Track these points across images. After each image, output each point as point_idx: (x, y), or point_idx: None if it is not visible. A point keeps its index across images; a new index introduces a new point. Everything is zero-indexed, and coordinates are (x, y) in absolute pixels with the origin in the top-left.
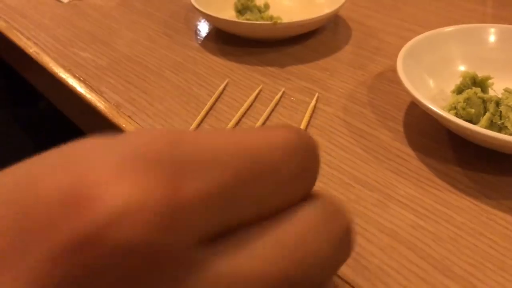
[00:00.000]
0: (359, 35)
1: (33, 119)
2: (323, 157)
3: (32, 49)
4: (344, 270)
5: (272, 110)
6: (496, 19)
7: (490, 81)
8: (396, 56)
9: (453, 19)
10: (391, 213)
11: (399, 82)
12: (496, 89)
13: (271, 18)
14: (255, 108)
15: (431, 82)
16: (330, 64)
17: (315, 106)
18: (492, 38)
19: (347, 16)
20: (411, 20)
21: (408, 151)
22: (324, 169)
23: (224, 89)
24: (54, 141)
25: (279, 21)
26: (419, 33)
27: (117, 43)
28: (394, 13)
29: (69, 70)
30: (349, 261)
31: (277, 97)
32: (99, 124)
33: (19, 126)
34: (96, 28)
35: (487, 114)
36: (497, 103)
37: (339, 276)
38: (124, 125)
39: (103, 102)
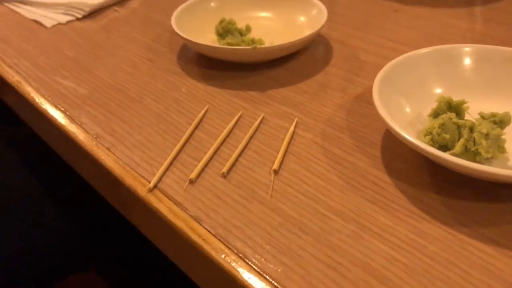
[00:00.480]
0: (341, 55)
1: (18, 138)
2: (300, 186)
3: (14, 78)
4: None
5: (251, 137)
6: (477, 35)
7: (465, 105)
8: (375, 77)
9: (435, 36)
10: (365, 245)
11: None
12: (472, 111)
13: (253, 41)
14: (234, 135)
15: (407, 107)
16: (311, 87)
17: (293, 132)
18: (467, 58)
19: (329, 36)
20: (393, 37)
21: (384, 178)
22: (300, 198)
23: (204, 115)
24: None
25: (260, 44)
26: (401, 51)
27: (99, 70)
28: (377, 31)
29: (50, 101)
30: None
31: (256, 123)
32: (79, 154)
33: (5, 143)
34: (79, 54)
35: (461, 140)
36: (471, 129)
37: None
38: (103, 157)
39: (82, 134)
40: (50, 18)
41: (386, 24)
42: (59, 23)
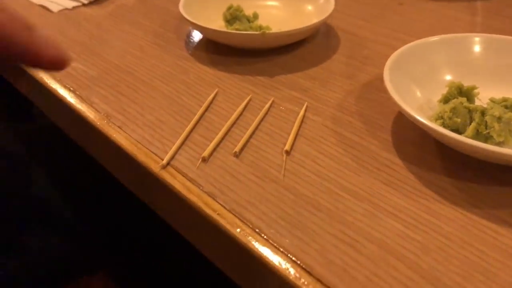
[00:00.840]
0: (348, 45)
1: (31, 133)
2: (312, 166)
3: None
4: (333, 280)
5: (262, 120)
6: (483, 28)
7: (475, 90)
8: (383, 65)
9: (440, 28)
10: (379, 223)
11: (386, 91)
12: (482, 98)
13: (260, 28)
14: (244, 118)
15: (418, 92)
16: (319, 73)
17: (304, 116)
18: (477, 47)
19: (336, 26)
20: (399, 29)
21: (396, 161)
22: (312, 178)
23: (213, 98)
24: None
25: (267, 31)
26: (407, 42)
27: (107, 53)
28: (383, 22)
29: (59, 81)
30: (337, 270)
31: (266, 106)
32: (90, 134)
33: (19, 140)
34: (87, 38)
35: (473, 124)
36: (483, 113)
37: (326, 286)
38: (114, 135)
39: (93, 113)
40: (56, 3)
41: (391, 16)
42: (66, 8)
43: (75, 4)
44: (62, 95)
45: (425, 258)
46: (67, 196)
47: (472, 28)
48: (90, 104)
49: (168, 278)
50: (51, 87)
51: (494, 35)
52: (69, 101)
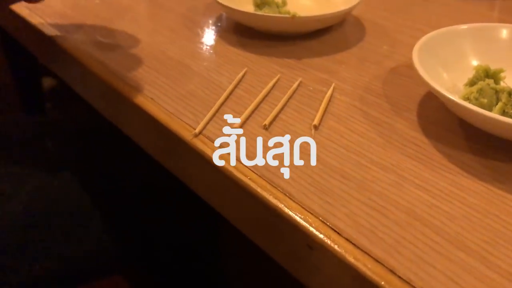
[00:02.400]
0: (373, 34)
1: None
2: (340, 141)
3: (54, 34)
4: (361, 240)
5: (290, 98)
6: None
7: (502, 74)
8: (409, 54)
9: (462, 21)
10: (406, 193)
11: (412, 77)
12: (509, 82)
13: (289, 13)
14: (273, 95)
15: (445, 75)
16: (346, 57)
17: (331, 96)
18: (503, 36)
19: (361, 17)
20: (422, 21)
21: (422, 139)
22: (341, 151)
23: (243, 77)
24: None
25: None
26: None
27: (137, 32)
28: (406, 15)
29: (92, 56)
30: (366, 232)
31: (295, 86)
32: (122, 106)
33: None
34: (116, 18)
35: (500, 104)
36: (510, 94)
37: (355, 245)
38: (147, 106)
39: (125, 85)
40: None
41: (416, 9)
42: None
43: None
44: (94, 70)
45: (451, 225)
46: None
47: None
48: (121, 77)
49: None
50: (84, 60)
51: None
52: (100, 74)
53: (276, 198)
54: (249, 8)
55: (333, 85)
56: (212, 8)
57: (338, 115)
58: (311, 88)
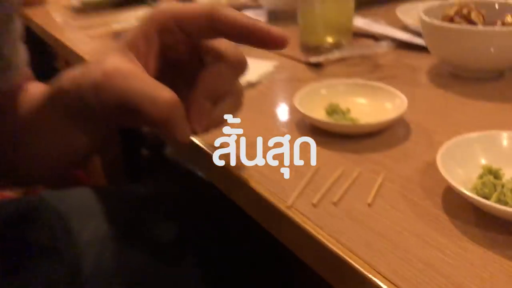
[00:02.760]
0: (415, 133)
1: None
2: (382, 213)
3: None
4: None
5: (351, 184)
6: None
7: (501, 171)
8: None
9: (491, 124)
10: (427, 251)
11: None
12: (507, 177)
13: (352, 119)
14: (338, 183)
15: (459, 171)
16: (394, 153)
17: (381, 183)
18: (506, 141)
19: (407, 118)
20: (458, 123)
21: (443, 216)
22: (382, 220)
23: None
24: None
25: (357, 122)
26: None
27: None
28: (444, 117)
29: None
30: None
31: (354, 175)
32: (233, 184)
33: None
34: None
35: (495, 193)
36: (502, 186)
37: None
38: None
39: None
40: None
41: (454, 113)
42: None
43: None
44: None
45: (456, 274)
46: None
47: None
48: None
49: None
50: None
51: None
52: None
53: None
54: (322, 113)
55: (383, 174)
56: (294, 114)
57: (385, 196)
58: (365, 176)
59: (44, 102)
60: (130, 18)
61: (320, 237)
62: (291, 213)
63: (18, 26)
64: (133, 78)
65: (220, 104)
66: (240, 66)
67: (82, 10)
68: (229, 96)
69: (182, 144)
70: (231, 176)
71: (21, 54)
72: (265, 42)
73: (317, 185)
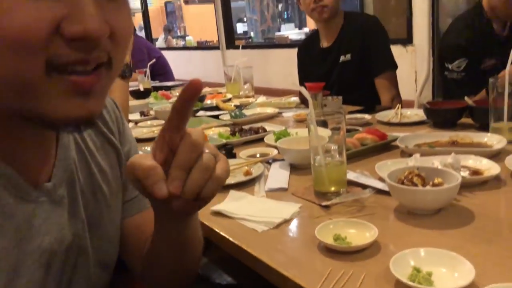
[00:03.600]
0: (384, 250)
1: None
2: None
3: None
4: None
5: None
6: None
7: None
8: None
9: (435, 242)
10: None
11: None
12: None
13: (348, 243)
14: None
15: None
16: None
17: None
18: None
19: (379, 239)
20: (410, 243)
21: None
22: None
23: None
24: None
25: (351, 244)
26: None
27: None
28: (404, 238)
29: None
30: None
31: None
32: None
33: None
34: None
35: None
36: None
37: None
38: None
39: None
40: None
41: (409, 236)
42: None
43: (265, 228)
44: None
45: None
46: None
47: None
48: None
49: None
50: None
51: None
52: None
53: None
54: (331, 239)
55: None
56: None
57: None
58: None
59: None
60: None
61: None
62: None
63: None
64: (133, 159)
65: (193, 172)
66: (198, 145)
67: None
68: (199, 168)
69: (160, 198)
70: None
71: None
72: (191, 97)
73: None
